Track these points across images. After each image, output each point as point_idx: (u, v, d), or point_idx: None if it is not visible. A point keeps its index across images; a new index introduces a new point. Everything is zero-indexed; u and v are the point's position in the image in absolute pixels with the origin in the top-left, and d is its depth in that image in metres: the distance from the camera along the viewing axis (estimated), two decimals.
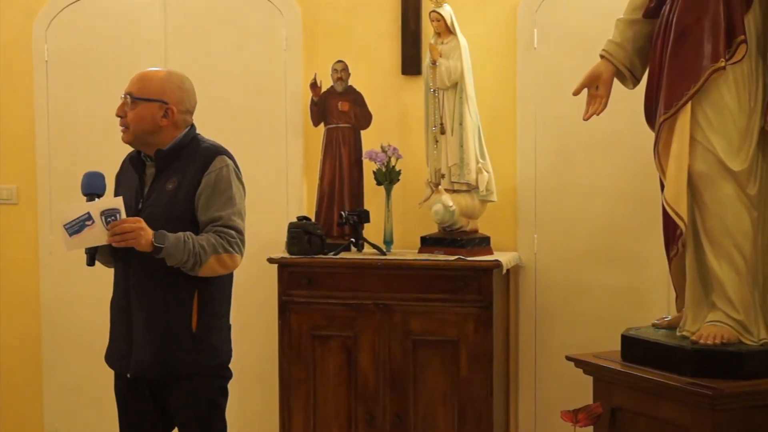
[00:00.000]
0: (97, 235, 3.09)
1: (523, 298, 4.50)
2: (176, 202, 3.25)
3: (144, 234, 3.09)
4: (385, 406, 4.19)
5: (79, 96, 5.01)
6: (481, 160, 4.29)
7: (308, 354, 4.29)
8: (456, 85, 4.27)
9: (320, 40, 4.75)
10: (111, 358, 3.42)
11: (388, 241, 4.41)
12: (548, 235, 4.48)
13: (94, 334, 4.95)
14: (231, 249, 3.24)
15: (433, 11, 4.31)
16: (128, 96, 3.30)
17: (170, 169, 3.30)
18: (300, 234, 4.32)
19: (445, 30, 4.31)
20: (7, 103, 5.13)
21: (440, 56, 4.26)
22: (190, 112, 3.40)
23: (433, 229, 4.37)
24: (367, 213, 4.41)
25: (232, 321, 4.70)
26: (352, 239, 4.39)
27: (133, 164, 3.40)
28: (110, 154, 4.85)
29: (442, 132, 4.28)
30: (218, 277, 3.31)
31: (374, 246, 4.36)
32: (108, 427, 4.94)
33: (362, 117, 4.52)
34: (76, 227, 3.08)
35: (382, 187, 4.43)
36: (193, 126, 3.41)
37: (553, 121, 4.46)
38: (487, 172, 4.29)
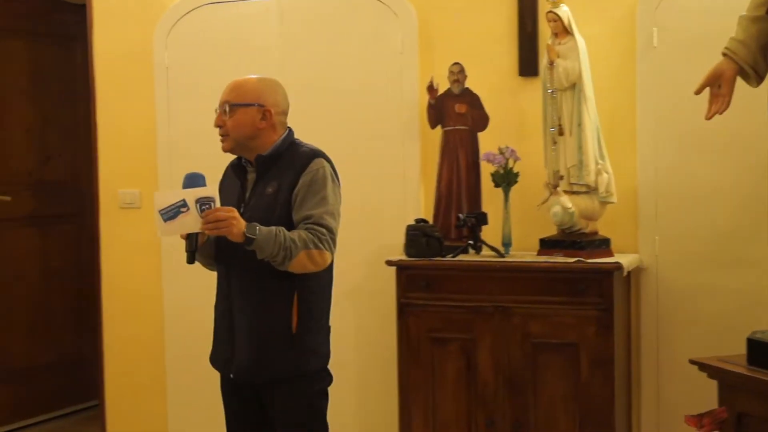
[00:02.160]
0: (191, 222, 3.13)
1: (645, 301, 4.42)
2: (276, 206, 3.29)
3: (236, 224, 3.12)
4: (505, 411, 4.16)
5: (198, 102, 5.08)
6: (600, 161, 4.23)
7: (427, 357, 4.28)
8: (574, 86, 4.22)
9: (436, 42, 4.74)
10: (215, 360, 3.50)
11: (507, 244, 4.38)
12: (670, 236, 4.39)
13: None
14: (321, 246, 3.23)
15: (550, 12, 4.27)
16: (226, 105, 3.37)
17: (270, 173, 3.35)
18: (418, 236, 4.33)
19: (563, 30, 4.27)
20: (129, 110, 5.26)
21: (558, 57, 4.22)
22: (286, 114, 3.45)
23: (551, 231, 4.33)
24: (484, 215, 4.39)
25: (350, 324, 4.76)
26: (470, 241, 4.37)
27: (234, 171, 3.48)
28: (228, 158, 4.97)
29: (561, 133, 4.24)
30: (317, 278, 3.33)
31: (492, 248, 4.34)
32: None
33: (479, 119, 4.50)
34: (171, 213, 3.12)
35: (499, 190, 4.40)
36: (290, 130, 3.46)
37: (673, 121, 4.37)
38: (607, 173, 4.23)
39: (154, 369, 5.23)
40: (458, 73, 4.52)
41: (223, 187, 3.49)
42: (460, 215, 4.38)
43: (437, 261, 4.29)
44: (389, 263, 4.35)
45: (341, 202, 3.42)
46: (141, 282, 5.25)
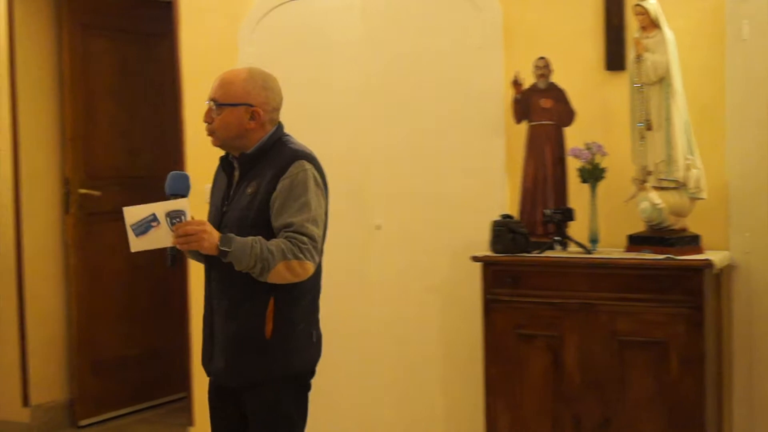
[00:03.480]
0: (162, 236, 3.08)
1: (736, 299, 4.33)
2: (252, 207, 3.21)
3: (207, 237, 3.05)
4: (591, 409, 4.12)
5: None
6: (689, 157, 4.15)
7: (512, 354, 4.26)
8: (662, 80, 4.15)
9: (520, 36, 4.70)
10: (202, 360, 3.44)
11: (594, 240, 4.33)
12: (762, 232, 4.30)
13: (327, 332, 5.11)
14: (302, 255, 3.12)
15: (638, 5, 4.21)
16: (212, 102, 3.27)
17: (252, 172, 3.28)
18: (504, 232, 4.31)
19: (650, 24, 4.20)
20: None
21: (645, 51, 4.16)
22: (277, 110, 3.36)
23: (640, 228, 4.27)
24: (571, 211, 4.36)
25: (434, 319, 4.74)
26: (556, 237, 4.34)
27: (222, 166, 3.41)
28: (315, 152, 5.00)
29: (649, 128, 4.18)
30: (296, 284, 3.22)
31: (579, 244, 4.30)
32: (318, 418, 5.07)
33: (565, 114, 4.46)
34: (142, 228, 3.08)
35: (586, 185, 4.36)
36: (279, 126, 3.37)
37: (764, 115, 4.28)
38: (697, 168, 4.15)
39: None
40: (544, 67, 4.49)
41: (214, 182, 3.46)
42: (546, 211, 4.35)
43: (523, 257, 4.27)
44: (475, 259, 4.34)
45: (326, 206, 3.33)
46: None
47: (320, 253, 3.26)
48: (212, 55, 5.31)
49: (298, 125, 5.02)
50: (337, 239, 4.96)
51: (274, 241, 3.12)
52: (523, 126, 4.52)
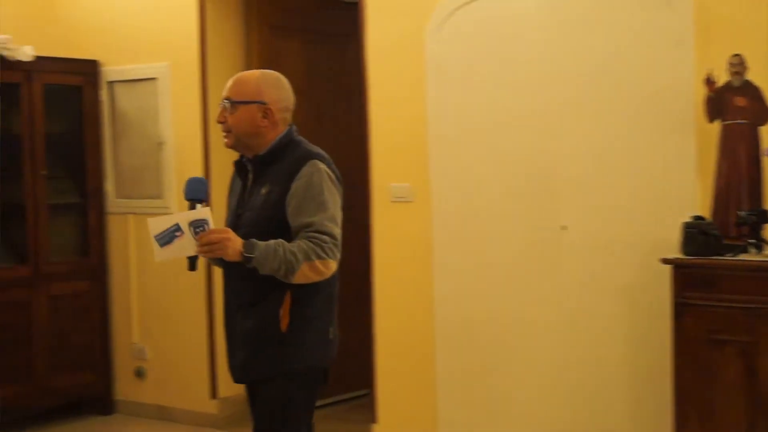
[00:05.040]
0: (186, 245, 3.14)
1: None
2: (267, 208, 3.25)
3: (231, 245, 3.10)
4: None
5: (469, 96, 5.12)
6: None
7: (704, 360, 4.13)
8: None
9: (713, 32, 4.55)
10: (227, 358, 3.49)
11: None
12: None
13: (484, 328, 5.11)
14: (324, 255, 3.16)
15: None
16: (227, 101, 3.32)
17: (266, 174, 3.31)
18: (695, 234, 4.19)
19: None
20: (400, 105, 5.35)
21: None
22: (289, 111, 3.40)
23: None
24: (766, 212, 4.20)
25: (621, 322, 4.64)
26: (751, 240, 4.19)
27: (237, 169, 3.44)
28: (498, 152, 4.99)
29: None
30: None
31: None
32: (500, 419, 5.07)
33: (761, 112, 4.30)
34: (166, 238, 3.13)
35: None
36: (291, 128, 3.39)
37: None
38: None
39: (423, 360, 5.31)
40: (738, 64, 4.34)
41: (231, 185, 3.51)
42: (741, 212, 4.20)
43: (716, 260, 4.14)
44: (665, 261, 4.23)
45: (341, 204, 3.34)
46: (412, 274, 5.34)
47: (340, 250, 3.28)
48: (398, 56, 5.34)
49: (484, 125, 5.07)
50: (522, 240, 4.97)
51: (296, 243, 3.17)
52: (715, 125, 4.38)
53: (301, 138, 3.45)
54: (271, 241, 3.16)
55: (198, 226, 3.15)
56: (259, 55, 6.16)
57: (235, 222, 3.38)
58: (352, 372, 6.37)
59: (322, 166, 3.30)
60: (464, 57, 5.14)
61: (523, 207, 4.96)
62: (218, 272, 5.92)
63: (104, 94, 6.48)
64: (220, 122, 3.38)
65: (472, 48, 5.15)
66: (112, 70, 6.44)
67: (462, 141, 5.14)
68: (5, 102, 6.04)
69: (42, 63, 6.15)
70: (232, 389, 5.85)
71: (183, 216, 3.18)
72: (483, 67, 5.09)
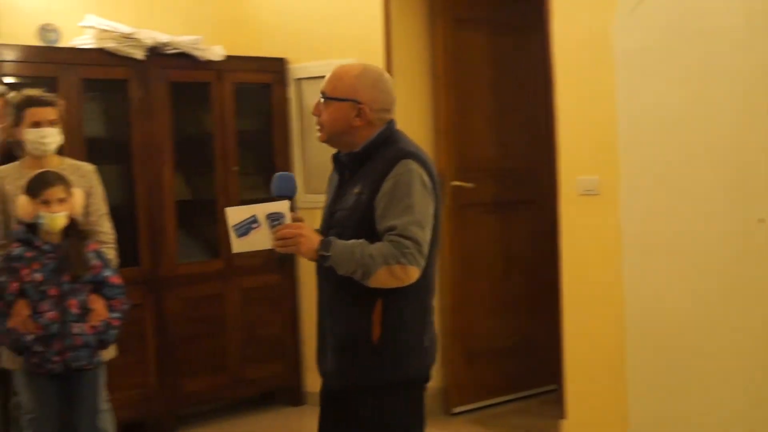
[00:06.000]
0: (263, 238, 3.10)
1: None
2: (358, 208, 3.12)
3: (304, 241, 3.03)
4: None
5: (662, 86, 4.95)
6: None
7: None
8: None
9: None
10: (316, 359, 3.39)
11: None
12: None
13: (679, 325, 4.95)
14: (404, 260, 3.01)
15: None
16: (322, 95, 3.20)
17: (360, 172, 3.18)
18: None
19: None
20: (588, 96, 5.23)
21: None
22: (387, 110, 3.23)
23: None
24: None
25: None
26: None
27: (335, 164, 3.32)
28: (694, 145, 4.82)
29: None
30: (410, 286, 3.10)
31: None
32: (693, 420, 4.90)
33: None
34: (243, 229, 3.09)
35: None
36: (389, 125, 3.23)
37: None
38: None
39: (613, 355, 5.19)
40: None
41: (330, 181, 3.41)
42: None
43: None
44: None
45: (436, 207, 3.17)
46: (601, 269, 5.22)
47: (425, 256, 3.11)
48: (585, 48, 5.23)
49: (679, 117, 4.88)
50: (714, 234, 4.78)
51: (377, 245, 3.06)
52: None
53: (400, 135, 3.31)
54: (352, 241, 3.08)
55: (275, 219, 3.13)
56: (444, 48, 6.16)
57: (328, 220, 3.33)
58: (542, 367, 6.33)
59: (414, 165, 3.14)
60: (656, 46, 4.95)
61: (715, 200, 4.77)
62: None
63: (292, 92, 6.60)
64: (314, 115, 3.30)
65: (663, 39, 4.91)
66: (299, 67, 6.55)
67: (655, 134, 4.97)
68: (197, 100, 6.22)
69: (232, 62, 6.32)
70: None
71: (260, 208, 3.16)
72: (676, 59, 4.89)
